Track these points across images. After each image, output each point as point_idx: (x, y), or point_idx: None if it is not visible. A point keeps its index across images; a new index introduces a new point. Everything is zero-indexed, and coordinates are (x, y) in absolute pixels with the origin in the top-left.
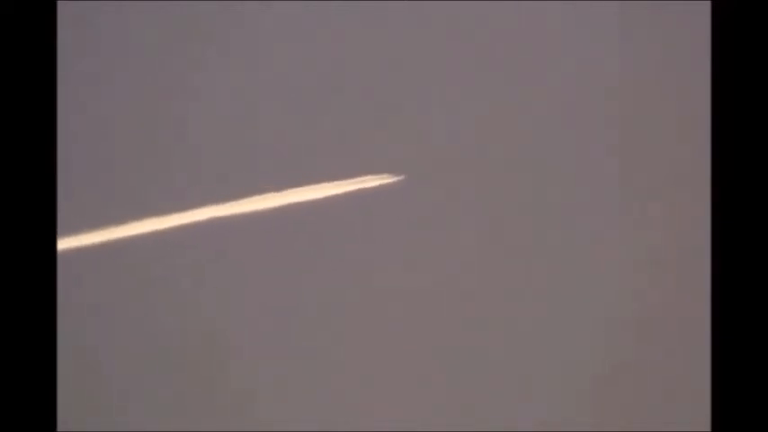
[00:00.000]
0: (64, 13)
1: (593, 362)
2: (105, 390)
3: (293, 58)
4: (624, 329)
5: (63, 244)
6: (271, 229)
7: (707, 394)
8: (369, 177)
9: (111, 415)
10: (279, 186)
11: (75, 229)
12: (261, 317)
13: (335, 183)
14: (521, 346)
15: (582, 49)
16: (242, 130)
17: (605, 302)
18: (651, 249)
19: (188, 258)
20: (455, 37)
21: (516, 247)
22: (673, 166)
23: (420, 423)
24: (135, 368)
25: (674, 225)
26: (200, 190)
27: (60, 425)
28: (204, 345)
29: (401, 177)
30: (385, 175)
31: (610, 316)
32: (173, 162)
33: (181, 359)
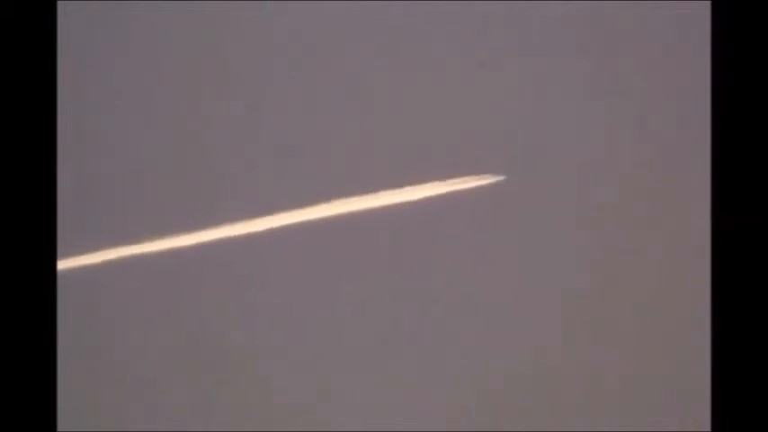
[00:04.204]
0: (64, 12)
1: (593, 362)
2: (104, 390)
3: (398, 58)
4: (624, 330)
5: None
6: (372, 229)
7: (707, 394)
8: (468, 178)
9: (111, 415)
10: (376, 188)
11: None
12: (364, 318)
13: (435, 183)
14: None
15: (582, 51)
16: (348, 129)
17: (605, 301)
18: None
19: (292, 258)
20: (553, 37)
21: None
22: (673, 165)
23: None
24: (143, 368)
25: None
26: (310, 191)
27: (60, 425)
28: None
29: (501, 178)
30: (486, 176)
31: (610, 315)
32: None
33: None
